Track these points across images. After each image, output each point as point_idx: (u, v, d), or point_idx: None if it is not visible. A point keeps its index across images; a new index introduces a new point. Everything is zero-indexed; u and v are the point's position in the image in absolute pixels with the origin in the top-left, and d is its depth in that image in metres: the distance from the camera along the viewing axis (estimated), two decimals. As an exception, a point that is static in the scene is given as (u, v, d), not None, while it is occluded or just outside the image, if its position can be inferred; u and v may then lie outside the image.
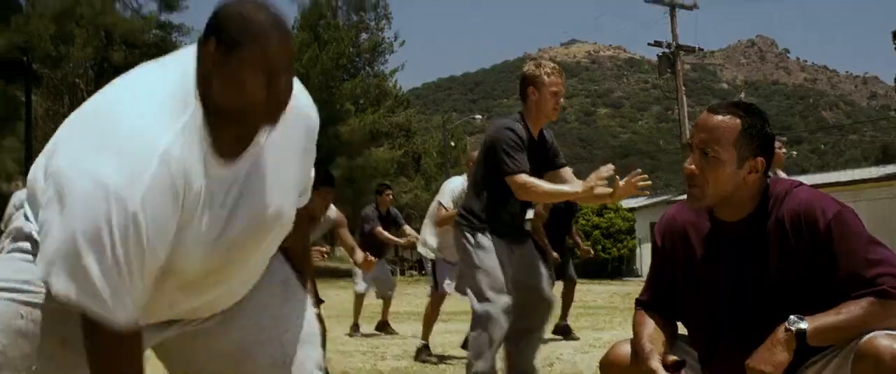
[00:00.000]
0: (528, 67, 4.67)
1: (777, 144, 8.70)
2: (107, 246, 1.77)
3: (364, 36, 36.98)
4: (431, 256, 7.63)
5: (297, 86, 2.07)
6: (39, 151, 2.08)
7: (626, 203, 29.77)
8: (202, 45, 1.90)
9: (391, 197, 10.34)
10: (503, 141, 4.45)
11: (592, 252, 10.22)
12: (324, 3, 35.25)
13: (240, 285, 2.16)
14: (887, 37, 25.14)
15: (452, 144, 46.61)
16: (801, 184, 2.51)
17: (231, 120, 1.91)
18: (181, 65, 1.95)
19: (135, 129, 1.83)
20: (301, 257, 2.41)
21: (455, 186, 7.41)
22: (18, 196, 2.10)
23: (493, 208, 4.54)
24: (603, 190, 4.20)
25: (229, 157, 1.95)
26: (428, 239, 7.66)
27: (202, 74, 1.91)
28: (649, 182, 4.30)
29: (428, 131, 55.37)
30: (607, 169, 4.24)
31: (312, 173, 2.31)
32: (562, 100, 4.60)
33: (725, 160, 2.38)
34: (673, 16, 30.01)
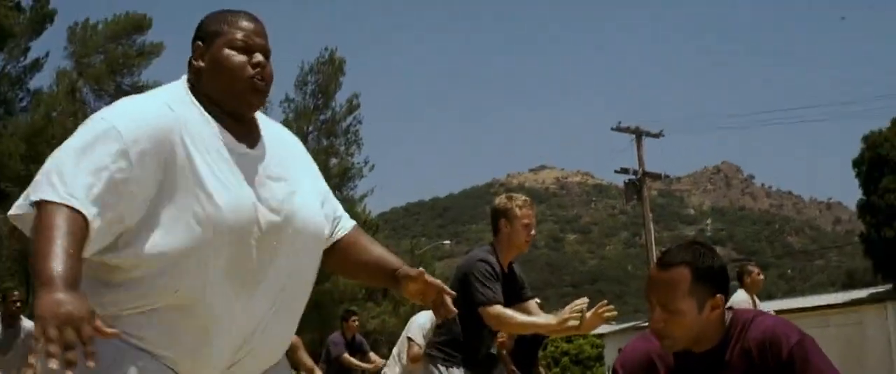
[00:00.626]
0: (500, 200, 4.70)
1: (755, 269, 8.75)
2: (80, 149, 1.97)
3: (334, 161, 37.23)
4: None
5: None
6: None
7: (595, 330, 29.67)
8: (193, 49, 2.22)
9: (357, 323, 10.30)
10: (478, 271, 4.43)
11: None
12: (293, 128, 35.60)
13: (278, 316, 2.19)
14: (848, 164, 25.63)
15: (421, 269, 46.46)
16: (763, 313, 2.58)
17: (226, 105, 2.17)
18: (165, 87, 2.22)
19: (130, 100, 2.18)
20: None
21: (423, 320, 7.41)
22: None
23: (466, 339, 4.50)
24: (572, 323, 4.21)
25: (242, 141, 2.17)
26: (395, 366, 7.61)
27: (194, 76, 2.21)
28: (615, 312, 4.34)
29: (397, 256, 55.19)
30: (581, 302, 4.25)
31: (340, 211, 2.47)
32: (533, 231, 4.62)
33: (686, 310, 2.44)
34: (639, 143, 30.49)
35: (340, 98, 39.04)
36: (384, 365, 9.35)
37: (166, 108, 2.10)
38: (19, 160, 32.64)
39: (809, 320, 22.51)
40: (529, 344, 8.97)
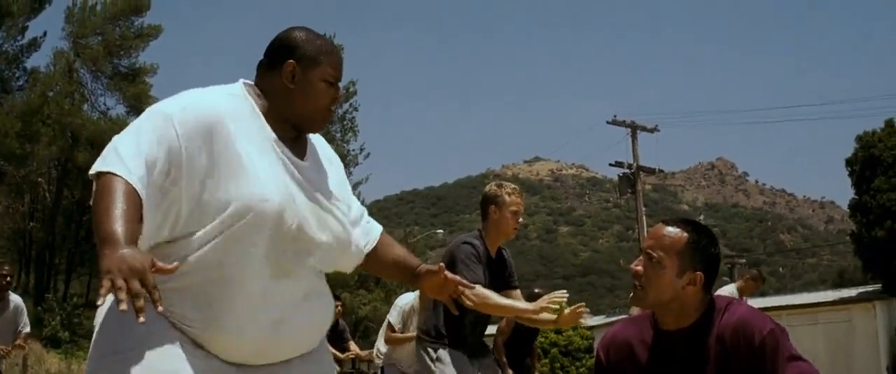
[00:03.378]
0: (490, 187, 4.81)
1: (756, 279, 8.79)
2: (135, 130, 2.16)
3: (329, 147, 37.22)
4: (383, 365, 7.62)
5: None
6: None
7: (584, 322, 29.73)
8: (275, 68, 2.37)
9: (341, 310, 10.31)
10: (462, 252, 4.57)
11: None
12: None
13: (305, 307, 2.34)
14: (842, 164, 25.70)
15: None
16: (738, 301, 2.70)
17: (298, 123, 2.37)
18: (222, 86, 2.37)
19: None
20: None
21: (405, 302, 7.48)
22: None
23: (452, 321, 4.58)
24: (547, 316, 4.31)
25: (291, 148, 2.35)
26: (379, 347, 7.69)
27: (274, 87, 2.36)
28: (590, 315, 4.47)
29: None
30: (561, 294, 4.33)
31: (369, 221, 2.68)
32: (520, 219, 4.73)
33: (667, 266, 2.59)
34: (634, 137, 30.57)
35: (337, 85, 38.99)
36: (358, 355, 9.44)
37: (220, 101, 2.27)
38: (15, 138, 32.60)
39: (799, 317, 22.64)
40: (527, 334, 9.03)
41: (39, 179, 38.19)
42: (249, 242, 2.18)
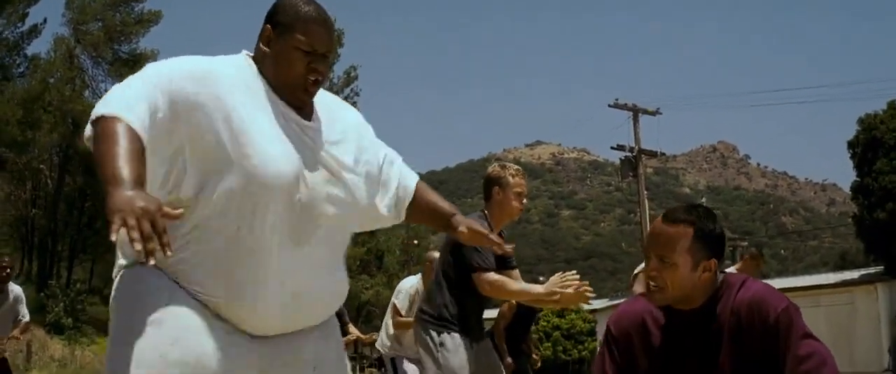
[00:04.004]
0: (493, 168, 4.79)
1: (756, 258, 8.73)
2: (133, 80, 2.14)
3: (331, 131, 37.17)
4: (388, 351, 7.60)
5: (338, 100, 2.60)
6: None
7: (586, 306, 29.73)
8: (261, 30, 2.34)
9: None
10: None
11: (539, 363, 10.20)
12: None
13: (321, 279, 2.34)
14: (844, 146, 25.67)
15: (415, 242, 46.56)
16: (752, 279, 2.69)
17: (278, 90, 2.30)
18: (224, 56, 2.35)
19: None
20: None
21: (409, 285, 7.45)
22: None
23: (457, 305, 4.57)
24: (565, 292, 4.29)
25: (296, 110, 2.32)
26: (385, 335, 7.65)
27: (257, 53, 2.34)
28: (593, 294, 4.45)
29: (391, 229, 55.21)
30: (573, 275, 4.33)
31: (403, 174, 2.66)
32: (524, 200, 4.72)
33: (681, 265, 2.56)
34: (636, 120, 30.51)
35: (338, 70, 39.07)
36: (360, 337, 9.43)
37: (222, 64, 2.27)
38: (16, 125, 32.58)
39: (801, 299, 22.62)
40: (526, 318, 9.02)
41: (41, 166, 38.21)
42: (263, 208, 2.16)
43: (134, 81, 2.13)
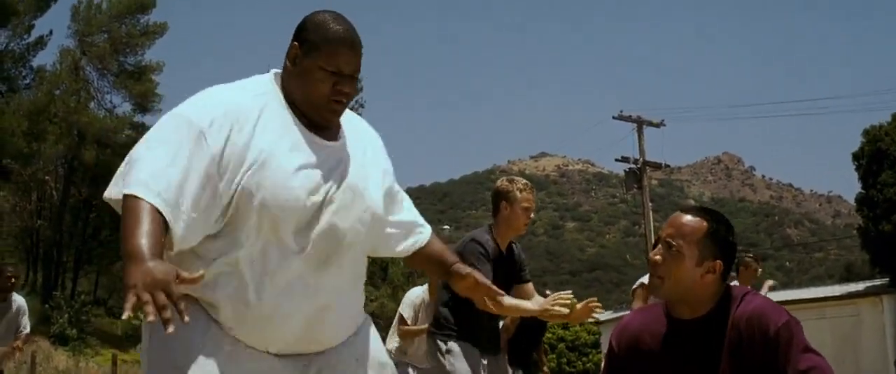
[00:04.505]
0: (502, 183, 4.81)
1: (752, 263, 8.71)
2: (156, 140, 2.15)
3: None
4: (394, 360, 7.61)
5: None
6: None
7: (584, 321, 29.66)
8: (289, 46, 2.33)
9: None
10: (469, 251, 4.57)
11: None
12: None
13: (343, 297, 2.37)
14: (849, 158, 25.64)
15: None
16: (754, 291, 2.72)
17: (303, 109, 2.30)
18: (252, 78, 2.38)
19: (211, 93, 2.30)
20: None
21: (415, 296, 7.47)
22: None
23: (462, 316, 4.59)
24: (560, 310, 4.32)
25: (319, 133, 2.33)
26: (390, 345, 7.66)
27: (284, 70, 2.35)
28: (603, 310, 4.48)
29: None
30: (567, 295, 4.35)
31: (420, 221, 2.69)
32: (532, 215, 4.73)
33: (686, 255, 2.59)
34: (640, 132, 30.48)
35: (343, 81, 39.00)
36: None
37: (243, 94, 2.27)
38: (21, 137, 32.63)
39: (807, 312, 22.61)
40: (532, 330, 9.01)
41: (46, 178, 38.26)
42: (284, 234, 2.20)
43: (164, 147, 2.14)
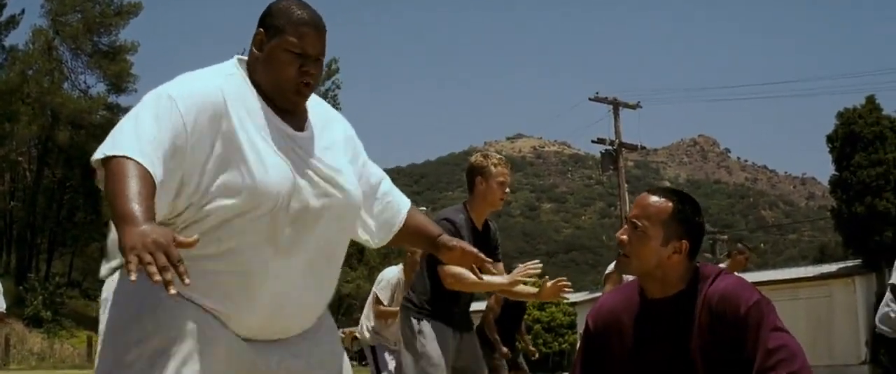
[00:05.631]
0: (476, 158, 4.80)
1: (744, 253, 8.77)
2: (141, 114, 2.15)
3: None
4: (371, 342, 7.63)
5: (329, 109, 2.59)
6: None
7: (568, 297, 29.83)
8: (254, 33, 2.36)
9: None
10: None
11: (536, 353, 10.27)
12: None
13: (315, 283, 2.39)
14: (823, 140, 25.79)
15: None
16: (726, 271, 2.76)
17: (270, 96, 2.32)
18: (221, 65, 2.39)
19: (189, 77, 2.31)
20: None
21: (391, 275, 7.48)
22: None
23: (437, 294, 4.59)
24: (528, 289, 4.34)
25: (289, 122, 2.34)
26: (365, 325, 7.67)
27: (250, 56, 2.37)
28: (571, 290, 4.50)
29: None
30: (534, 264, 4.36)
31: (393, 198, 2.70)
32: (507, 190, 4.72)
33: (651, 236, 2.64)
34: (616, 114, 30.59)
35: (319, 63, 38.82)
36: (342, 332, 9.46)
37: (220, 85, 2.27)
38: (-6, 118, 32.38)
39: (780, 292, 22.76)
40: (515, 310, 9.07)
41: (19, 159, 37.97)
42: (247, 228, 2.20)
43: (144, 118, 2.15)
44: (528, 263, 4.39)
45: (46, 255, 39.89)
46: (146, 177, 2.02)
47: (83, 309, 35.63)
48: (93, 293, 38.80)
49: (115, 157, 2.04)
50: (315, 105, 2.49)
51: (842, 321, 23.80)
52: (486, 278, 4.59)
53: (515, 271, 4.41)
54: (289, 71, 2.30)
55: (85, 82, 38.70)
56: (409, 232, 2.72)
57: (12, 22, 37.01)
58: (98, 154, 2.09)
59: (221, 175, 2.19)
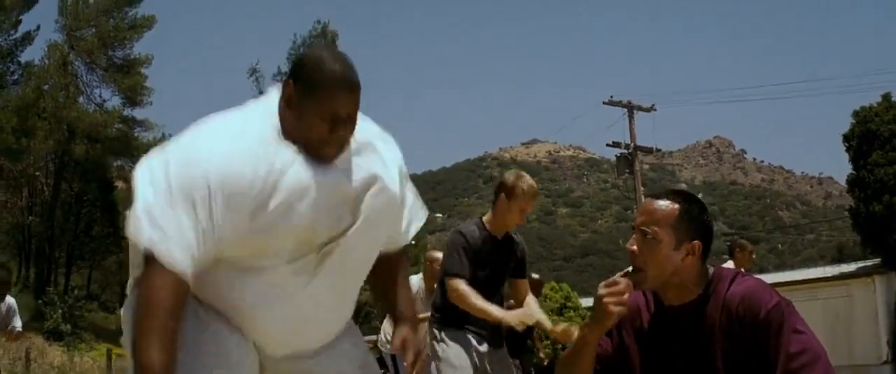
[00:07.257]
0: (509, 176, 4.75)
1: (748, 246, 8.72)
2: (176, 199, 2.06)
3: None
4: (391, 351, 7.64)
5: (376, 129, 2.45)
6: None
7: (585, 304, 29.78)
8: (285, 83, 2.23)
9: None
10: (452, 242, 4.62)
11: (546, 361, 10.25)
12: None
13: (337, 301, 2.39)
14: (839, 139, 25.65)
15: (413, 242, 46.43)
16: (744, 273, 2.66)
17: (299, 146, 2.19)
18: (253, 118, 2.24)
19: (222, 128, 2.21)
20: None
21: (411, 284, 7.48)
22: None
23: (454, 305, 4.60)
24: (543, 320, 4.49)
25: (321, 161, 2.23)
26: (385, 333, 7.68)
27: (281, 107, 2.23)
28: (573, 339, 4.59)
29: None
30: (527, 313, 4.61)
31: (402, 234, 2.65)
32: (525, 218, 4.69)
33: (662, 240, 2.55)
34: (631, 117, 30.49)
35: (333, 72, 38.91)
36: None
37: (254, 149, 2.16)
38: (11, 133, 32.55)
39: (799, 293, 22.63)
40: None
41: (37, 173, 38.17)
42: (283, 254, 2.20)
43: (179, 206, 2.07)
44: (528, 309, 4.53)
45: (65, 269, 40.03)
46: (178, 303, 2.03)
47: (102, 322, 35.76)
48: (111, 306, 38.95)
49: (155, 263, 2.03)
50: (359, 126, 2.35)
51: (861, 320, 23.65)
52: (485, 306, 4.53)
53: (519, 311, 4.52)
54: (320, 132, 2.18)
55: (100, 96, 38.89)
56: (379, 283, 2.65)
57: (28, 38, 37.23)
58: (140, 233, 2.06)
59: (252, 227, 2.14)
